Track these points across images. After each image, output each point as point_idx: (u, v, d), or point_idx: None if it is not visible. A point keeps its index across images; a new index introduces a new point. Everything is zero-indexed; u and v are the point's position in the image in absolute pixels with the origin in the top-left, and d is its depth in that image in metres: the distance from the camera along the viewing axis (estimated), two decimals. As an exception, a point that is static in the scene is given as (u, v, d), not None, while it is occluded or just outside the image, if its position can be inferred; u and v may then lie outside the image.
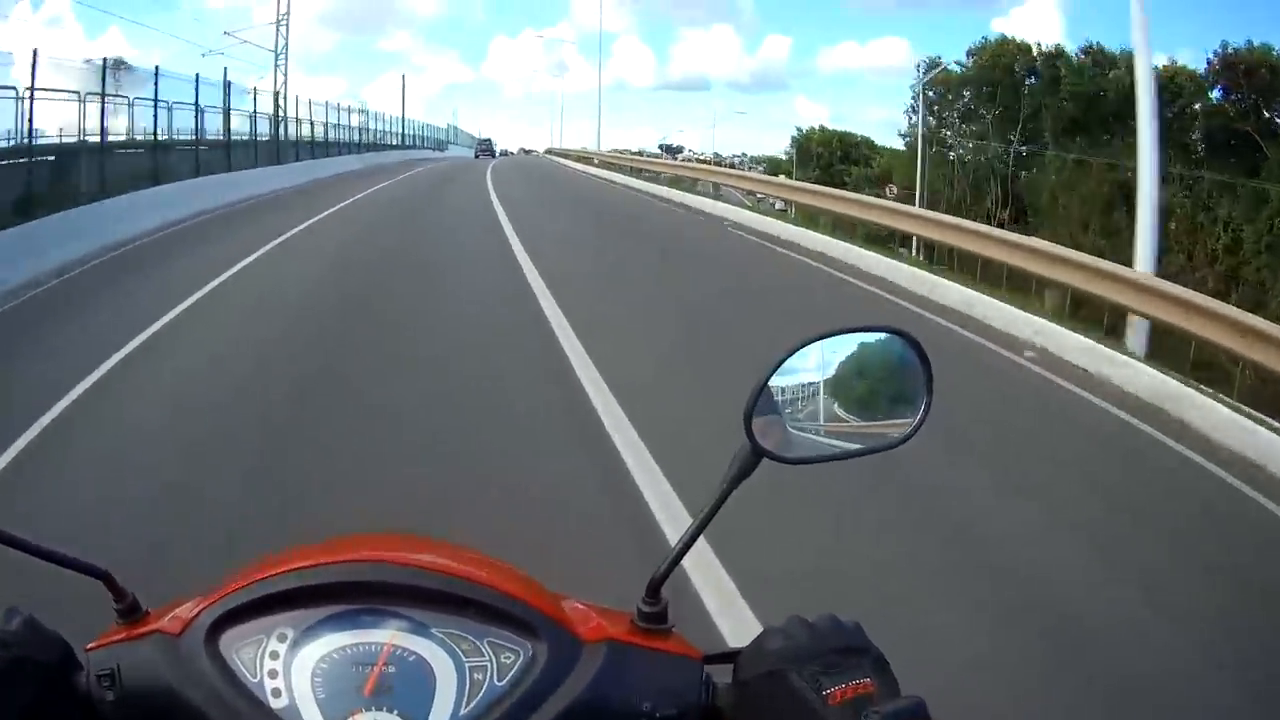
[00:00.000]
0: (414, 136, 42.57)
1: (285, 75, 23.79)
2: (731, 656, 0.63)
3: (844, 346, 0.66)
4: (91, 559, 0.64)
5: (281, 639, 0.61)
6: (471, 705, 0.59)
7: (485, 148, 53.78)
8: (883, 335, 0.67)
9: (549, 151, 50.69)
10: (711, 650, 0.65)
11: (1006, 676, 2.45)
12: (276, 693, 0.60)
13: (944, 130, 27.09)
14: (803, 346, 0.64)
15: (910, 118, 27.45)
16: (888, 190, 22.30)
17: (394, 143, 37.43)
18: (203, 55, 17.41)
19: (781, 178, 18.91)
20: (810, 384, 0.64)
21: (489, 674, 0.60)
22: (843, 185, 24.02)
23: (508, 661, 0.61)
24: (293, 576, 0.63)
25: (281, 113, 20.86)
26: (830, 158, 32.46)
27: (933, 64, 26.91)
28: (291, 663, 0.61)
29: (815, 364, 0.64)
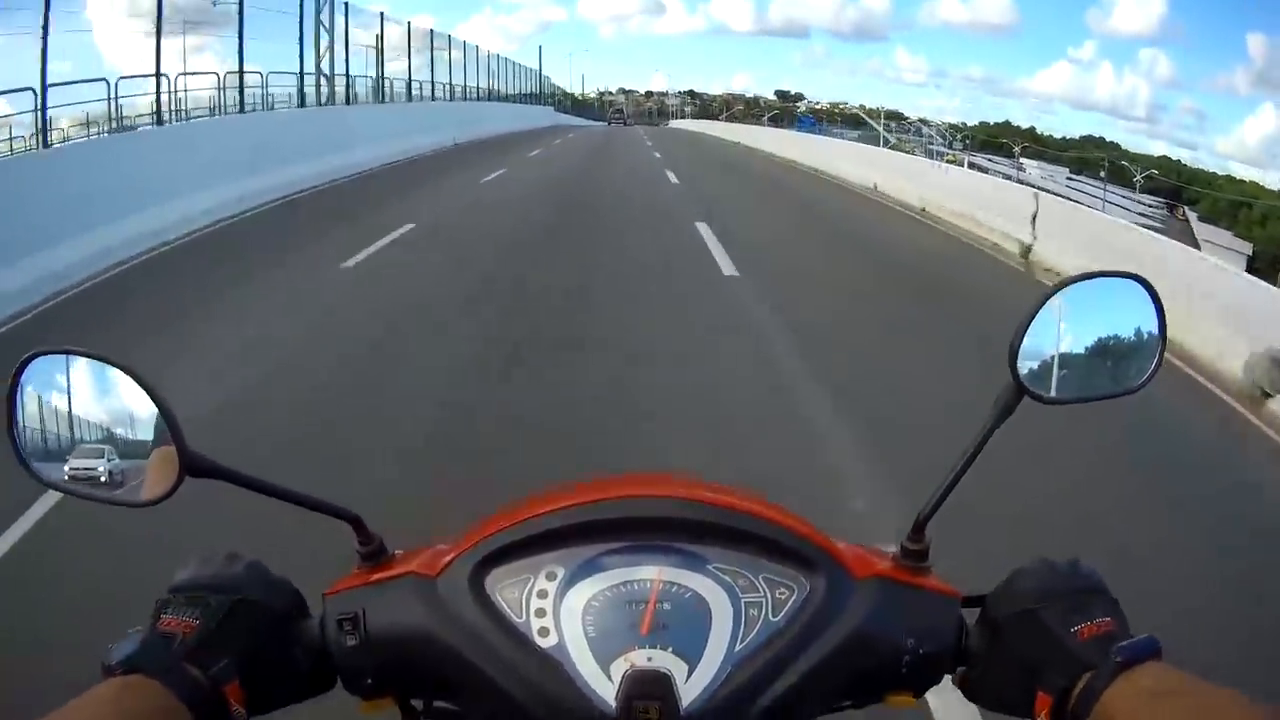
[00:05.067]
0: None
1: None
2: (981, 600, 0.64)
3: (1089, 291, 0.68)
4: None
5: (550, 577, 0.61)
6: (746, 641, 0.59)
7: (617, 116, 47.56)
8: (1123, 280, 0.69)
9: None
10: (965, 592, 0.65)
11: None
12: (544, 632, 0.59)
13: None
14: (1055, 291, 0.66)
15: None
16: None
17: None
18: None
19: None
20: (1061, 327, 0.67)
21: (764, 609, 0.60)
22: None
23: (782, 597, 0.60)
24: (564, 514, 0.62)
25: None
26: None
27: None
28: (561, 601, 0.60)
29: (1064, 308, 0.67)
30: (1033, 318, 0.65)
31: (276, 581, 0.63)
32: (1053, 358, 0.67)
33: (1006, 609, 0.61)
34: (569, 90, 56.86)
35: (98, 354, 0.61)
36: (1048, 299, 0.66)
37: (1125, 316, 0.69)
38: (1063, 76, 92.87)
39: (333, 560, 0.71)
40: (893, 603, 0.62)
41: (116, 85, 10.32)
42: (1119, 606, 0.59)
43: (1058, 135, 61.23)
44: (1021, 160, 53.91)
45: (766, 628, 0.59)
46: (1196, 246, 13.41)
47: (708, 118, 60.15)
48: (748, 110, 64.49)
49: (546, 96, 41.60)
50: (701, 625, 0.58)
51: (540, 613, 0.59)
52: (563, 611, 0.59)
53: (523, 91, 35.14)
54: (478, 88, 28.83)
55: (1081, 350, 0.68)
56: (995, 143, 62.14)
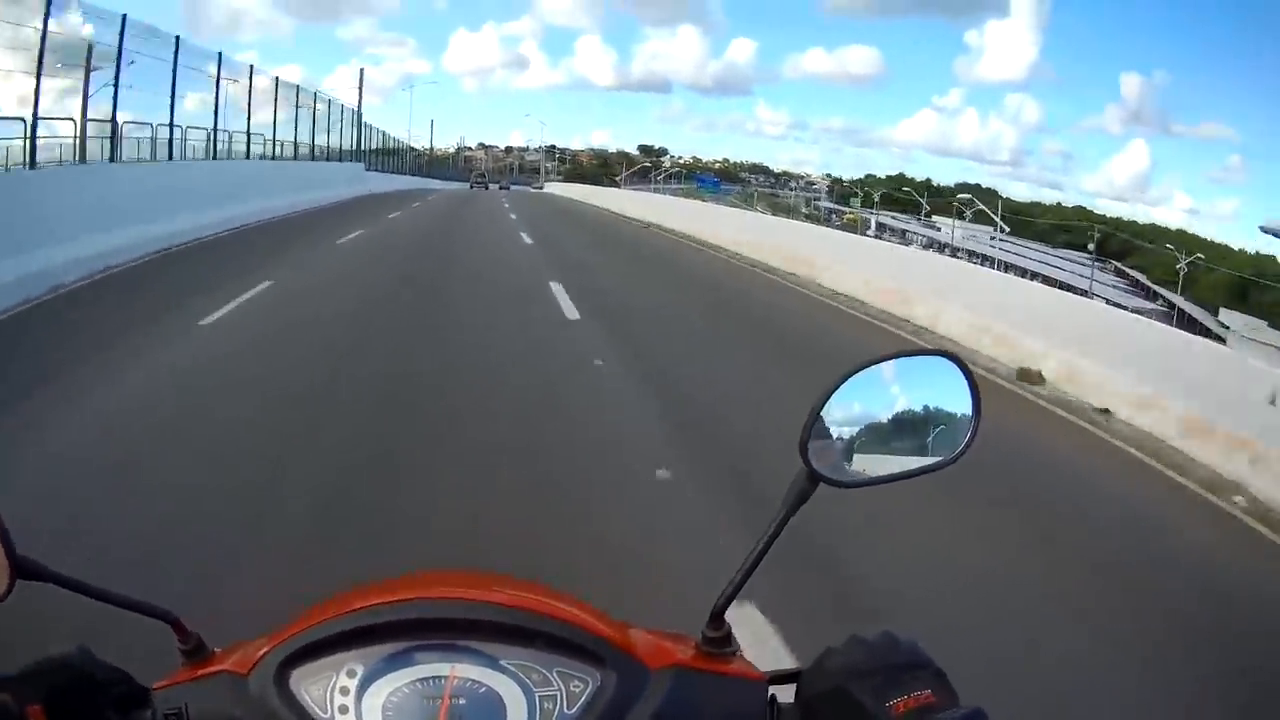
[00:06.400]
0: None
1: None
2: (794, 676, 0.63)
3: (893, 371, 0.66)
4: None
5: (351, 675, 0.62)
6: None
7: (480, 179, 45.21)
8: (931, 359, 0.67)
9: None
10: (774, 671, 0.65)
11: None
12: None
13: None
14: (853, 374, 0.64)
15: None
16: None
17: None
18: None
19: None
20: (861, 409, 0.65)
21: (559, 703, 0.60)
22: None
23: (577, 690, 0.61)
24: (361, 615, 0.63)
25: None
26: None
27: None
28: (362, 698, 0.61)
29: (865, 389, 0.64)
30: (826, 400, 0.63)
31: (116, 672, 0.65)
32: (852, 440, 0.65)
33: (818, 687, 0.61)
34: (411, 144, 48.50)
35: None
36: (843, 382, 0.63)
37: (936, 393, 0.67)
38: (926, 125, 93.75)
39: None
40: (690, 691, 0.62)
41: None
42: (944, 678, 0.59)
43: (922, 182, 59.29)
44: (933, 219, 49.52)
45: None
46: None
47: (578, 177, 53.06)
48: (626, 167, 58.52)
49: (367, 152, 32.49)
50: (497, 719, 0.59)
51: (343, 709, 0.60)
52: (364, 708, 0.60)
53: (328, 146, 26.33)
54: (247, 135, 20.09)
55: (888, 430, 0.66)
56: (892, 197, 58.53)
